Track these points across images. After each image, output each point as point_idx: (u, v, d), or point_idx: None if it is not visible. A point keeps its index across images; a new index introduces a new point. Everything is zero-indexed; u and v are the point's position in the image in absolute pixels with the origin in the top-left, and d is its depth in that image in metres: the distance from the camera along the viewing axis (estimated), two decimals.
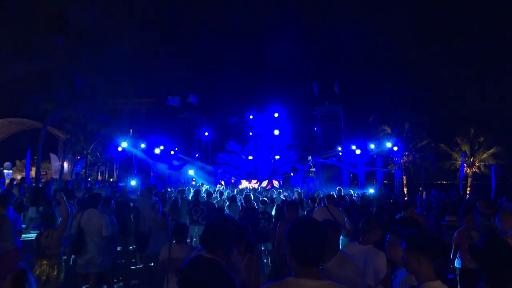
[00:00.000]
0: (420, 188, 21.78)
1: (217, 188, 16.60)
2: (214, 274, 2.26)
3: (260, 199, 10.16)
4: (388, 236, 3.06)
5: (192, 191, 12.48)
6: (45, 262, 4.58)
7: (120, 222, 6.84)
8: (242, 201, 9.20)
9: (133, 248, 8.16)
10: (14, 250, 4.93)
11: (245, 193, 10.47)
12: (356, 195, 14.26)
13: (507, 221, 4.04)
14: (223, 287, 2.24)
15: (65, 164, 27.16)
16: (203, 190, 13.37)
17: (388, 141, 22.92)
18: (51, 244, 4.60)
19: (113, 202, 7.20)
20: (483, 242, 2.38)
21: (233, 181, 25.01)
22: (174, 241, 4.20)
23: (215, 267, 2.28)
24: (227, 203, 10.09)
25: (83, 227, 5.32)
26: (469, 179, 28.57)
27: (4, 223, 4.95)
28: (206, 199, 9.49)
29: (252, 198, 9.49)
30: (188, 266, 2.36)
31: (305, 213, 8.60)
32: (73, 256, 5.82)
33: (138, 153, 25.47)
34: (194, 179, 25.69)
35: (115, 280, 6.57)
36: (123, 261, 7.69)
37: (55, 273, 4.59)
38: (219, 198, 11.43)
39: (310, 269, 1.78)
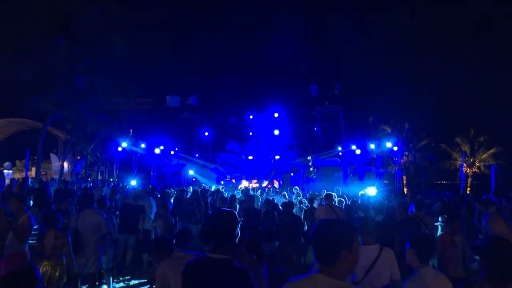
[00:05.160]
0: (405, 189, 21.84)
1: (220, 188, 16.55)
2: (228, 277, 2.12)
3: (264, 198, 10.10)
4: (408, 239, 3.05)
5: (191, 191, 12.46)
6: (46, 263, 4.54)
7: (129, 222, 7.07)
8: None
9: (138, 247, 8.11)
10: (23, 252, 4.84)
11: (247, 193, 10.41)
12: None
13: (495, 225, 3.96)
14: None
15: (65, 164, 27.20)
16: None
17: (388, 141, 22.87)
18: (56, 245, 4.58)
19: (118, 202, 7.21)
20: (488, 240, 2.47)
21: (233, 181, 25.00)
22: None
23: (226, 268, 2.14)
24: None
25: (79, 228, 5.33)
26: (469, 179, 28.58)
27: (30, 227, 4.74)
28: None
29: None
30: (193, 270, 2.20)
31: (303, 213, 8.58)
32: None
33: (139, 151, 25.42)
34: (194, 179, 25.70)
35: (115, 280, 6.57)
36: (128, 263, 7.66)
37: (57, 274, 4.55)
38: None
39: (325, 267, 1.87)
